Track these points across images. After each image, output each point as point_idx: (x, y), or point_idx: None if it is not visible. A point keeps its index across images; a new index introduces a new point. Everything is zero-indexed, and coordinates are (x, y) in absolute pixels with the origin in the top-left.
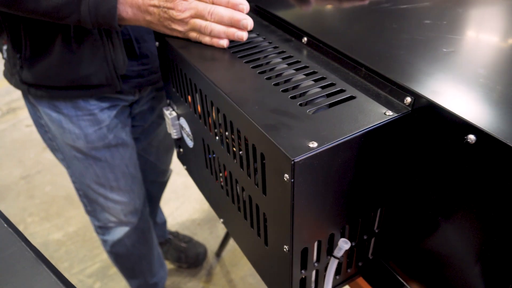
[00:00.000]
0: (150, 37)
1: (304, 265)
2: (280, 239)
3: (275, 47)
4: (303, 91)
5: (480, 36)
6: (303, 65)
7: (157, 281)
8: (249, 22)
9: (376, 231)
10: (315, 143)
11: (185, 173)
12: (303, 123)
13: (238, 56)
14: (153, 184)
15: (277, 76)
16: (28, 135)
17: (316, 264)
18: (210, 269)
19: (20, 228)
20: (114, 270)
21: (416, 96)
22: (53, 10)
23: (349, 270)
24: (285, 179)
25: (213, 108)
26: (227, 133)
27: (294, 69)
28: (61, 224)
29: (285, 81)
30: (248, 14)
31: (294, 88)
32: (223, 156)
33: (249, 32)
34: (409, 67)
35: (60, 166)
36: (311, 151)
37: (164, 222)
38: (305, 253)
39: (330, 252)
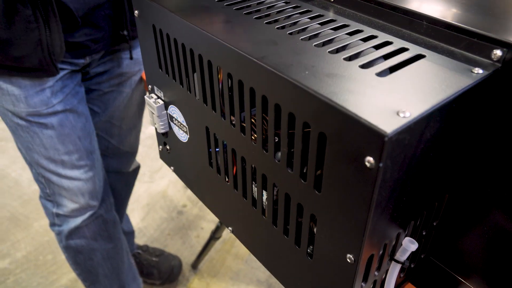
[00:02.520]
0: (98, 7)
1: (366, 276)
2: (340, 247)
3: (295, 7)
4: (355, 51)
5: None
6: (341, 24)
7: None
8: None
9: (434, 224)
10: (406, 112)
11: (147, 179)
12: (376, 89)
13: (254, 17)
14: (118, 177)
15: (312, 36)
16: None
17: (376, 273)
18: (187, 283)
19: None
20: None
21: (510, 48)
22: None
23: (401, 275)
24: (368, 164)
25: (232, 84)
26: (252, 116)
27: (331, 28)
28: (6, 249)
29: (327, 42)
30: None
31: (342, 48)
32: (243, 146)
33: None
34: (484, 16)
35: (1, 183)
36: (404, 123)
37: (132, 232)
38: (370, 261)
39: (391, 256)
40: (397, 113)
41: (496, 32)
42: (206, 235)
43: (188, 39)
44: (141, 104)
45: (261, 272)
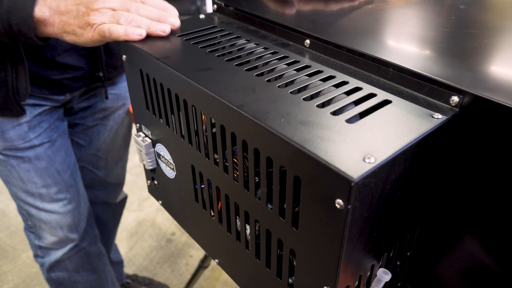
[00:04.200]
0: (73, 48)
1: None
2: (317, 279)
3: (273, 53)
4: (328, 98)
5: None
6: (315, 70)
7: None
8: (178, 22)
9: (408, 254)
10: (371, 157)
11: (136, 208)
12: (344, 135)
13: (235, 64)
14: (105, 208)
15: (289, 83)
16: None
17: None
18: None
19: None
20: None
21: (465, 94)
22: None
23: None
24: (338, 206)
25: (215, 127)
26: (233, 157)
27: (306, 75)
28: None
29: (302, 88)
30: (228, 19)
31: (316, 95)
32: (226, 184)
33: (237, 38)
34: (444, 64)
35: None
36: (370, 168)
37: (120, 262)
38: None
39: (367, 286)
40: (363, 159)
41: (453, 80)
42: (195, 262)
43: (173, 85)
44: (127, 137)
45: None
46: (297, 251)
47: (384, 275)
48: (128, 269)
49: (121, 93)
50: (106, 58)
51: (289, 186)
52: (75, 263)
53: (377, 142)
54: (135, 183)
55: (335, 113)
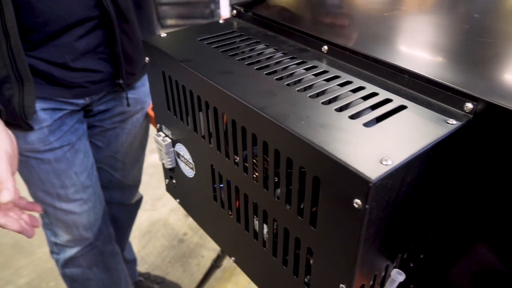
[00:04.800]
0: (91, 52)
1: None
2: (333, 277)
3: (292, 58)
4: (345, 102)
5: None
6: (332, 75)
7: None
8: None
9: (421, 256)
10: (388, 160)
11: (149, 207)
12: (362, 138)
13: (255, 68)
14: (121, 209)
15: (308, 87)
16: None
17: None
18: None
19: None
20: None
21: (479, 101)
22: None
23: None
24: (356, 206)
25: (236, 128)
26: (253, 158)
27: (325, 80)
28: (10, 276)
29: (320, 93)
30: (246, 24)
31: (334, 99)
32: (245, 184)
33: (257, 43)
34: (458, 71)
35: None
36: (387, 170)
37: (134, 260)
38: None
39: (381, 286)
40: (381, 161)
41: (468, 87)
42: (206, 263)
43: (195, 87)
44: (144, 139)
45: None
46: (314, 249)
47: (398, 276)
48: (141, 267)
49: (140, 97)
50: (126, 66)
51: (308, 186)
52: (88, 260)
53: (393, 146)
54: (148, 183)
55: (352, 117)
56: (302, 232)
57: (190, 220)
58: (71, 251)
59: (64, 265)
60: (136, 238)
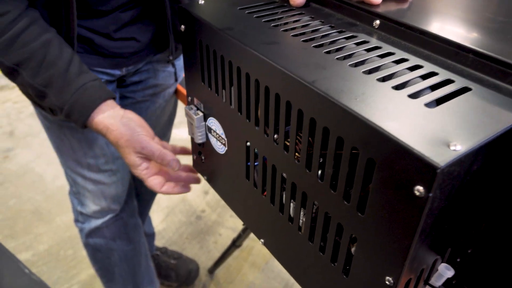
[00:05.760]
0: (136, 20)
1: None
2: (379, 269)
3: (340, 32)
4: (402, 80)
5: None
6: (386, 51)
7: None
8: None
9: (469, 252)
10: (457, 145)
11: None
12: (425, 119)
13: (302, 40)
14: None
15: (360, 63)
16: None
17: None
18: (203, 287)
19: None
20: None
21: None
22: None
23: None
24: (417, 193)
25: (280, 103)
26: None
27: (378, 56)
28: (30, 242)
29: (374, 69)
30: None
31: (389, 77)
32: (284, 163)
33: (301, 14)
34: None
35: (25, 177)
36: (456, 156)
37: (152, 234)
38: (407, 285)
39: (426, 281)
40: (448, 146)
41: None
42: (223, 241)
43: (236, 57)
44: (172, 114)
45: (277, 282)
46: (359, 238)
47: (446, 271)
48: (158, 242)
49: (174, 71)
50: (175, 44)
51: (360, 169)
52: (113, 231)
53: (461, 130)
54: None
55: (412, 96)
56: (347, 218)
57: (209, 197)
58: (96, 222)
59: (88, 235)
60: (154, 212)
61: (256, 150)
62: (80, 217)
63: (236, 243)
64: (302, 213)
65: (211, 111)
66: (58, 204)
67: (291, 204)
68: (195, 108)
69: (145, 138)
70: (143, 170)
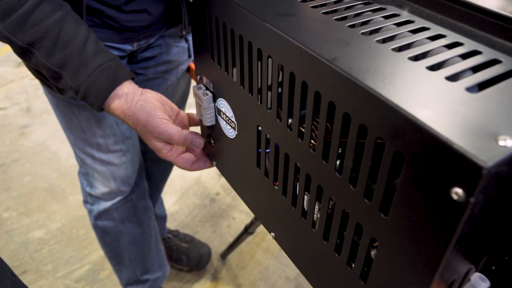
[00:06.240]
0: None
1: None
2: (403, 278)
3: (366, 3)
4: (439, 60)
5: None
6: (419, 26)
7: (149, 278)
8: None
9: (506, 258)
10: (507, 139)
11: None
12: (468, 107)
13: (322, 12)
14: (155, 163)
15: (388, 39)
16: (2, 119)
17: None
18: (215, 272)
19: None
20: (105, 274)
21: None
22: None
23: None
24: (455, 197)
25: (295, 84)
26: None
27: (410, 31)
28: (43, 220)
29: (405, 46)
30: None
31: (423, 55)
32: (298, 152)
33: None
34: None
35: (41, 154)
36: (506, 153)
37: (164, 216)
38: None
39: None
40: (496, 140)
41: None
42: (237, 225)
43: (247, 31)
44: (185, 93)
45: (291, 269)
46: (381, 241)
47: (480, 282)
48: (170, 224)
49: (187, 46)
50: (188, 18)
51: (385, 163)
52: (122, 214)
53: (510, 121)
54: None
55: (450, 78)
56: (368, 218)
57: (223, 180)
58: (105, 204)
59: (97, 217)
60: (167, 194)
61: (268, 136)
62: (89, 199)
63: (248, 230)
64: (316, 207)
65: (220, 92)
66: (72, 183)
67: (305, 197)
68: (204, 88)
69: (162, 122)
70: (167, 152)
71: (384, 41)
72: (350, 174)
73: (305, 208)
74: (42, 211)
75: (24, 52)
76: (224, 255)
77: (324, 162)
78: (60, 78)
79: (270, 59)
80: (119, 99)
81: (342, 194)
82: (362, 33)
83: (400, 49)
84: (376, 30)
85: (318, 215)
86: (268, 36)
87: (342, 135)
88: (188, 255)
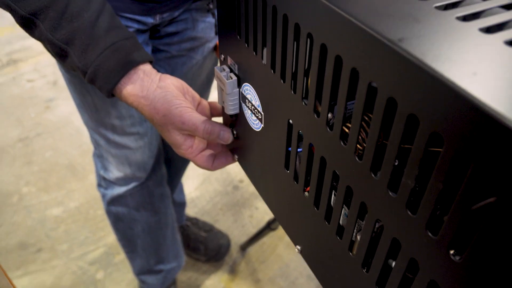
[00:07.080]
0: None
1: None
2: None
3: None
4: None
5: None
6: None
7: (163, 269)
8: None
9: None
10: None
11: None
12: None
13: None
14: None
15: (472, 16)
16: (29, 91)
17: None
18: (233, 265)
19: (14, 200)
20: (120, 258)
21: None
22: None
23: None
24: None
25: (342, 71)
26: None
27: (501, 6)
28: (61, 197)
29: (496, 27)
30: None
31: None
32: (339, 158)
33: None
34: None
35: (64, 129)
36: None
37: (183, 203)
38: None
39: None
40: None
41: None
42: (259, 216)
43: (282, 2)
44: (211, 74)
45: None
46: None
47: None
48: (190, 210)
49: (215, 22)
50: None
51: (470, 188)
52: (136, 200)
53: None
54: None
55: None
56: (428, 257)
57: None
58: (119, 189)
59: (110, 203)
60: (188, 178)
61: (300, 133)
62: (102, 182)
63: (271, 226)
64: (356, 227)
65: (247, 75)
66: (92, 161)
67: (343, 211)
68: (228, 70)
69: (186, 110)
70: (187, 149)
71: (465, 18)
72: (408, 196)
73: (341, 225)
74: (61, 188)
75: (26, 24)
76: (244, 247)
77: (373, 175)
78: (66, 56)
79: (310, 37)
80: (133, 85)
81: (395, 219)
82: (436, 7)
83: (490, 30)
84: (455, 4)
85: (358, 237)
86: (309, 7)
87: (403, 141)
88: (206, 245)
